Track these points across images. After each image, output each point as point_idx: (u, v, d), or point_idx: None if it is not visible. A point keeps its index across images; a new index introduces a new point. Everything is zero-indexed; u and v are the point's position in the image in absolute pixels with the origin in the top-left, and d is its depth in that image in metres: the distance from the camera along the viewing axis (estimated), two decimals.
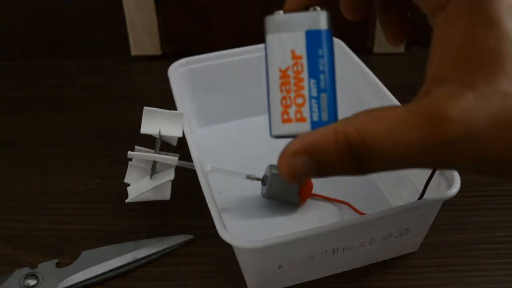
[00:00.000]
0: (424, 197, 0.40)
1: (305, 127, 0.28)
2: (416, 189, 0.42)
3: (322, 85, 0.27)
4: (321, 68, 0.27)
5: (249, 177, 0.44)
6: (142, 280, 0.42)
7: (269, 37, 0.28)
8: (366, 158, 0.25)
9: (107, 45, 0.66)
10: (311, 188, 0.45)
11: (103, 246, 0.43)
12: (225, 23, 0.63)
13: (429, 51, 0.26)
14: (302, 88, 0.27)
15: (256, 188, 0.46)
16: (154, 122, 0.43)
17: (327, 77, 0.27)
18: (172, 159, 0.43)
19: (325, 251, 0.38)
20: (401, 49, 0.64)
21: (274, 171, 0.44)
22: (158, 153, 0.43)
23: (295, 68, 0.27)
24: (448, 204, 0.39)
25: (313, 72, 0.27)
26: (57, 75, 0.63)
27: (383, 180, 0.47)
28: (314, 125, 0.28)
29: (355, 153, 0.25)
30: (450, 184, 0.38)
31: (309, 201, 0.46)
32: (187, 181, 0.43)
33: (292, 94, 0.27)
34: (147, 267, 0.42)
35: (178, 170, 0.43)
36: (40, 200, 0.48)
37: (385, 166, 0.25)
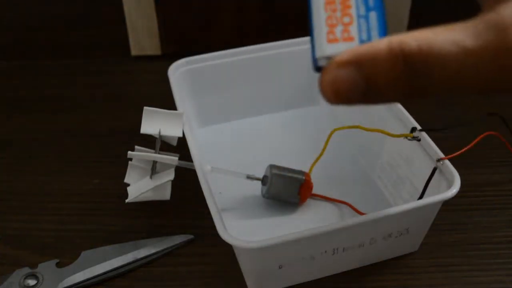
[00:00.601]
0: (424, 197, 0.40)
1: (353, 46, 0.25)
2: (416, 189, 0.42)
3: (371, 3, 0.26)
4: None
5: (249, 177, 0.44)
6: (142, 280, 0.42)
7: None
8: (423, 72, 0.22)
9: (107, 45, 0.66)
10: (311, 188, 0.45)
11: (103, 246, 0.43)
12: (225, 23, 0.63)
13: None
14: (349, 6, 0.25)
15: (256, 188, 0.46)
16: (154, 122, 0.43)
17: None
18: (172, 159, 0.43)
19: (325, 251, 0.38)
20: None
21: (274, 171, 0.44)
22: (158, 153, 0.43)
23: None
24: (448, 204, 0.39)
25: None
26: (57, 75, 0.63)
27: (383, 180, 0.47)
28: (364, 43, 0.25)
29: (411, 64, 0.22)
30: (450, 184, 0.38)
31: (309, 201, 0.46)
32: (187, 181, 0.43)
33: (338, 14, 0.25)
34: (147, 267, 0.42)
35: (178, 170, 0.43)
36: (40, 200, 0.48)
37: (444, 81, 0.22)
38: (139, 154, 0.43)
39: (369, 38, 0.26)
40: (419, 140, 0.42)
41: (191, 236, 0.44)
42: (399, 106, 0.44)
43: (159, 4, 0.61)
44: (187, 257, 0.43)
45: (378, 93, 0.23)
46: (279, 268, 0.38)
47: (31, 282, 0.40)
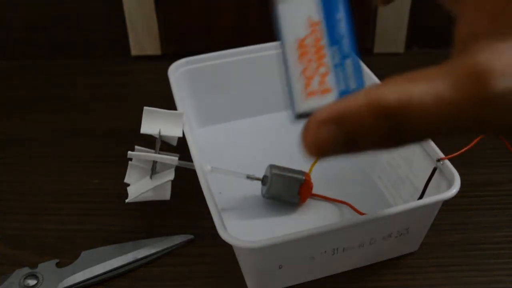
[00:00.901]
0: (424, 197, 0.40)
1: (332, 98, 0.25)
2: (416, 189, 0.42)
3: (345, 50, 0.25)
4: (341, 32, 0.25)
5: (249, 177, 0.44)
6: (142, 280, 0.42)
7: (281, 7, 0.26)
8: (403, 124, 0.22)
9: (107, 45, 0.66)
10: (311, 188, 0.45)
11: (103, 246, 0.43)
12: (225, 23, 0.63)
13: (458, 10, 0.24)
14: (323, 56, 0.25)
15: (256, 188, 0.46)
16: (154, 122, 0.43)
17: (349, 42, 0.25)
18: (172, 159, 0.43)
19: (325, 251, 0.38)
20: (401, 49, 0.64)
21: (274, 171, 0.44)
22: (158, 153, 0.43)
23: (313, 36, 0.25)
24: (448, 204, 0.39)
25: (334, 38, 0.25)
26: (57, 75, 0.63)
27: (383, 180, 0.47)
28: (342, 94, 0.25)
29: (391, 118, 0.22)
30: (450, 184, 0.38)
31: (309, 201, 0.46)
32: (187, 181, 0.43)
33: (314, 64, 0.25)
34: (147, 267, 0.42)
35: (178, 170, 0.43)
36: (40, 200, 0.48)
37: (424, 132, 0.22)
38: (139, 154, 0.43)
39: (347, 88, 0.25)
40: None
41: (191, 236, 0.44)
42: None
43: (159, 4, 0.61)
44: (187, 257, 0.43)
45: (360, 146, 0.23)
46: (279, 268, 0.38)
47: (31, 282, 0.40)
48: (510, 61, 0.21)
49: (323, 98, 0.25)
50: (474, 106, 0.21)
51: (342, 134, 0.23)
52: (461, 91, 0.21)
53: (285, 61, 0.26)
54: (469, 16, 0.23)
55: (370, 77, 0.48)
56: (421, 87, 0.21)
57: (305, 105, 0.25)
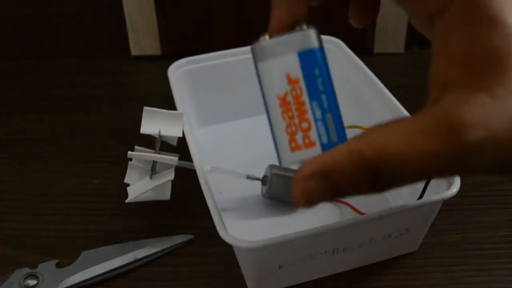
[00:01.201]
0: (424, 197, 0.39)
1: (316, 151, 0.27)
2: (416, 189, 0.42)
3: (325, 105, 0.26)
4: (320, 88, 0.26)
5: (249, 177, 0.44)
6: (142, 280, 0.42)
7: (260, 66, 0.27)
8: (385, 174, 0.23)
9: (107, 45, 0.66)
10: None
11: (103, 246, 0.43)
12: (225, 23, 0.63)
13: (431, 59, 0.25)
14: (305, 112, 0.26)
15: (256, 188, 0.46)
16: (154, 122, 0.43)
17: (329, 96, 0.26)
18: (172, 159, 0.43)
19: (325, 251, 0.38)
20: (401, 49, 0.64)
21: (274, 171, 0.44)
22: (158, 153, 0.43)
23: (294, 93, 0.26)
24: (448, 204, 0.39)
25: (314, 94, 0.26)
26: (57, 75, 0.63)
27: None
28: (325, 147, 0.27)
29: (372, 170, 0.23)
30: (450, 184, 0.38)
31: None
32: (187, 181, 0.43)
33: (296, 120, 0.26)
34: (147, 267, 0.42)
35: (178, 170, 0.43)
36: (40, 200, 0.48)
37: (404, 180, 0.24)
38: (139, 154, 0.43)
39: (329, 141, 0.27)
40: None
41: (191, 236, 0.44)
42: (399, 106, 0.44)
43: (159, 4, 0.62)
44: (187, 257, 0.43)
45: (346, 194, 0.25)
46: (279, 268, 0.38)
47: (31, 282, 0.40)
48: (480, 113, 0.22)
49: (307, 152, 0.26)
50: (448, 157, 0.23)
51: (328, 186, 0.24)
52: (435, 143, 0.22)
53: (269, 118, 0.27)
54: (442, 68, 0.25)
55: (370, 77, 0.48)
56: (398, 140, 0.23)
57: (290, 158, 0.27)
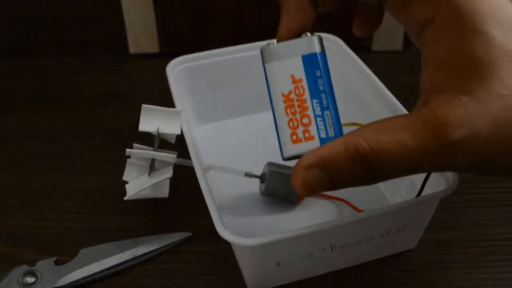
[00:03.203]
0: (422, 194, 0.40)
1: (315, 144, 0.29)
2: (414, 186, 0.42)
3: (325, 103, 0.29)
4: (321, 88, 0.29)
5: (247, 175, 0.44)
6: (141, 277, 0.42)
7: (268, 66, 0.30)
8: (376, 167, 0.26)
9: (105, 43, 0.66)
10: None
11: (102, 243, 0.43)
12: (223, 21, 0.63)
13: (422, 65, 0.28)
14: (306, 108, 0.29)
15: (255, 185, 0.46)
16: (152, 119, 0.43)
17: (328, 95, 0.29)
18: (170, 156, 0.43)
19: (323, 249, 0.38)
20: (399, 46, 0.64)
21: (272, 168, 0.44)
22: (157, 151, 0.43)
23: (297, 91, 0.29)
24: (446, 201, 0.40)
25: (315, 93, 0.29)
26: (55, 74, 0.63)
27: None
28: (323, 141, 0.29)
29: (365, 162, 0.26)
30: (448, 181, 0.38)
31: (307, 199, 0.46)
32: (185, 179, 0.43)
33: (298, 116, 0.29)
34: (145, 264, 0.42)
35: (176, 167, 0.43)
36: (39, 198, 0.48)
37: (394, 173, 0.26)
38: (137, 152, 0.43)
39: (327, 136, 0.30)
40: None
41: (189, 234, 0.44)
42: (398, 104, 0.44)
43: (157, 2, 0.61)
44: (186, 254, 0.43)
45: (341, 184, 0.27)
46: (277, 265, 0.38)
47: (30, 279, 0.40)
48: (462, 113, 0.25)
49: (307, 145, 0.29)
50: (433, 152, 0.25)
51: (325, 176, 0.27)
52: (421, 139, 0.25)
53: (273, 113, 0.30)
54: (430, 74, 0.27)
55: (369, 75, 0.48)
56: (389, 135, 0.26)
57: (291, 150, 0.30)
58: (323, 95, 0.29)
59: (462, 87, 0.25)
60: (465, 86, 0.25)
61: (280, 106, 0.30)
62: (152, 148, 0.43)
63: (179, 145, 0.44)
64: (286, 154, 0.30)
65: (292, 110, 0.29)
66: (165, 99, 0.46)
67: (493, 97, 0.25)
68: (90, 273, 0.41)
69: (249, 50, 0.51)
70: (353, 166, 0.26)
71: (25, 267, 0.41)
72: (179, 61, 0.50)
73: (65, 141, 0.54)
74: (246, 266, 0.39)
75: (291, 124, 0.29)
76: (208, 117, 0.53)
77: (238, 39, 0.53)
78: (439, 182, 0.39)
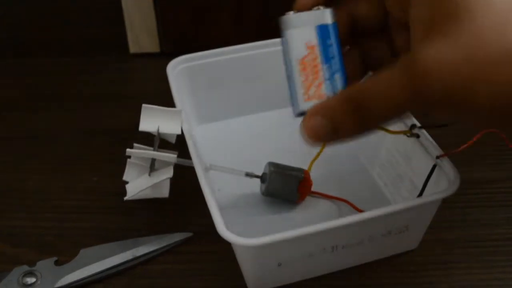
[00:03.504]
0: (424, 194, 0.39)
1: None
2: (416, 186, 0.42)
3: (334, 68, 0.33)
4: (331, 55, 0.33)
5: (248, 175, 0.44)
6: (141, 278, 0.42)
7: (286, 33, 0.33)
8: (365, 107, 0.29)
9: (105, 43, 0.66)
10: (310, 186, 0.45)
11: (102, 244, 0.43)
12: (224, 20, 0.63)
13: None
14: (318, 71, 0.33)
15: (255, 185, 0.45)
16: (152, 119, 0.43)
17: (337, 61, 0.33)
18: (171, 156, 0.43)
19: (324, 249, 0.38)
20: None
21: (273, 168, 0.44)
22: (157, 151, 0.43)
23: (310, 56, 0.33)
24: (447, 202, 0.39)
25: (326, 58, 0.33)
26: (54, 73, 0.63)
27: (382, 177, 0.47)
28: None
29: (356, 104, 0.29)
30: (450, 181, 0.38)
31: (308, 199, 0.46)
32: (185, 179, 0.43)
33: (310, 77, 0.33)
34: (146, 265, 0.42)
35: (176, 167, 0.43)
36: (39, 198, 0.48)
37: (382, 111, 0.29)
38: (137, 152, 0.43)
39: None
40: (418, 137, 0.42)
41: (190, 234, 0.44)
42: None
43: (158, 1, 0.61)
44: (186, 254, 0.43)
45: (343, 130, 0.30)
46: (278, 265, 0.38)
47: (30, 280, 0.40)
48: (433, 49, 0.26)
49: (317, 102, 0.32)
50: (409, 83, 0.27)
51: (326, 122, 0.30)
52: (398, 76, 0.27)
53: (289, 73, 0.33)
54: (412, 29, 0.29)
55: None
56: (373, 79, 0.29)
57: (304, 106, 0.33)
58: (333, 61, 0.33)
59: (437, 30, 0.27)
60: (440, 29, 0.26)
61: (295, 68, 0.33)
62: (152, 148, 0.43)
63: (179, 145, 0.44)
64: (299, 109, 0.33)
65: (306, 72, 0.33)
66: (166, 99, 0.46)
67: (466, 35, 0.26)
68: (90, 273, 0.41)
69: (250, 50, 0.51)
70: (346, 109, 0.29)
71: (25, 267, 0.41)
72: (179, 61, 0.50)
73: (65, 141, 0.54)
74: (247, 266, 0.39)
75: (304, 84, 0.33)
76: (208, 116, 0.53)
77: (238, 39, 0.53)
78: (440, 182, 0.39)
